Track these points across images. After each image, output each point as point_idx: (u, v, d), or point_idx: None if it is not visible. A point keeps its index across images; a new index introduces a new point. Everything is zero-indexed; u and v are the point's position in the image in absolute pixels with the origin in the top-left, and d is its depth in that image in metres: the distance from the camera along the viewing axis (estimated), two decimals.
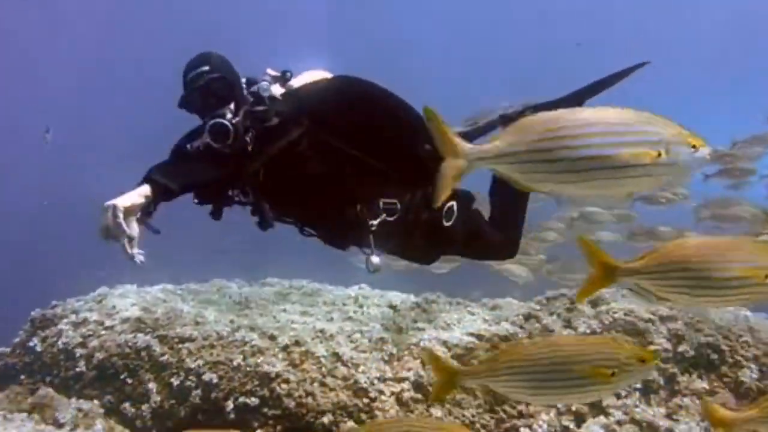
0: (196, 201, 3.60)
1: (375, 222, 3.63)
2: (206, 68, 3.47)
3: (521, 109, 4.38)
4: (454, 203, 3.91)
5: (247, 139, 3.36)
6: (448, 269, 8.93)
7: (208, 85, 3.44)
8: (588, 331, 5.35)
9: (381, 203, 3.66)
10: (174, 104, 3.56)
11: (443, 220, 3.89)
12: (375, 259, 3.71)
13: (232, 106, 3.45)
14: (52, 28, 24.91)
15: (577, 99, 4.22)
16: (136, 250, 3.24)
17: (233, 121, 3.37)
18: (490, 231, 4.21)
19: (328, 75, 3.85)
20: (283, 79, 3.66)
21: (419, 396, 4.95)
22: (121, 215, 2.85)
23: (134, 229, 3.28)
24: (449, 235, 3.97)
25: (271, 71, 3.63)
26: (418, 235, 3.89)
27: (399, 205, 3.68)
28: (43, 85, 25.65)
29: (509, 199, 4.32)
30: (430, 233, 3.90)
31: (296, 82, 3.71)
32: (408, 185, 3.78)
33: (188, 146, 3.45)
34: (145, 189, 3.01)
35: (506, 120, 4.39)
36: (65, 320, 5.71)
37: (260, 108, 3.44)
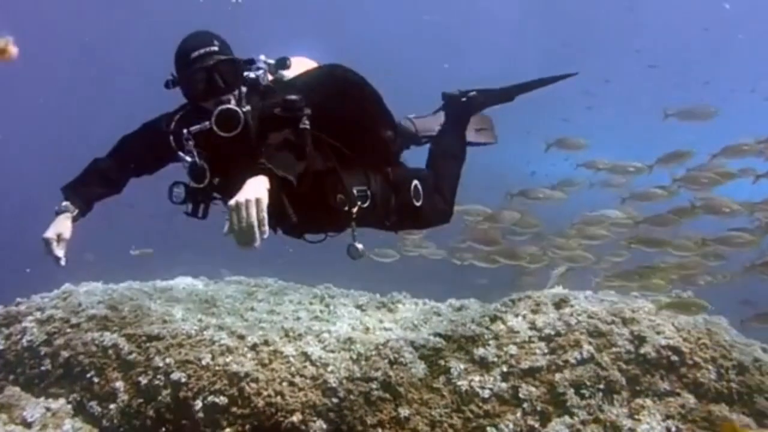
0: (176, 201, 3.58)
1: (354, 210, 3.69)
2: (215, 48, 3.41)
3: (466, 90, 4.90)
4: (417, 182, 4.06)
5: (306, 126, 3.32)
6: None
7: (216, 67, 3.37)
8: (552, 332, 5.44)
9: (355, 191, 3.72)
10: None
11: (414, 201, 4.02)
12: (359, 246, 3.76)
13: (236, 92, 3.41)
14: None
15: (511, 92, 4.90)
16: (61, 252, 3.25)
17: (243, 110, 3.34)
18: (437, 201, 4.39)
19: (314, 63, 3.88)
20: (275, 66, 3.63)
21: (387, 396, 4.99)
22: (265, 210, 2.73)
23: (68, 230, 3.30)
24: (422, 213, 4.16)
25: (264, 58, 3.59)
26: (394, 218, 4.01)
27: (368, 192, 3.73)
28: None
29: (447, 168, 4.52)
30: (405, 214, 4.06)
31: (288, 72, 3.71)
32: (372, 171, 3.85)
33: (185, 131, 3.39)
34: (266, 182, 2.86)
35: (445, 97, 4.95)
36: (30, 317, 5.62)
37: (294, 97, 3.38)
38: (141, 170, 3.86)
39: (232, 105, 3.36)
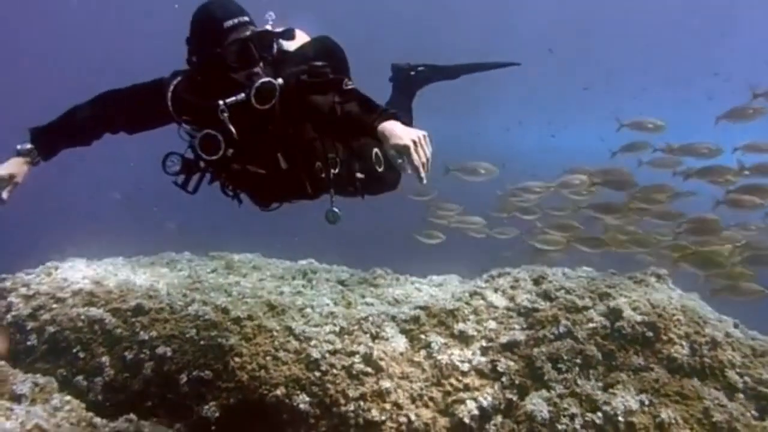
0: (169, 172, 3.61)
1: (331, 176, 3.78)
2: (247, 18, 3.40)
3: (416, 64, 5.20)
4: (377, 150, 4.16)
5: (352, 86, 3.42)
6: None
7: (252, 38, 3.37)
8: (530, 308, 5.55)
9: (328, 158, 3.79)
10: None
11: (376, 167, 4.11)
12: (336, 210, 3.84)
13: (261, 64, 3.44)
14: None
15: (457, 71, 5.26)
16: (6, 195, 3.24)
17: (279, 83, 3.39)
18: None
19: (307, 36, 3.92)
20: (281, 37, 3.63)
21: (369, 370, 5.08)
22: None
23: (22, 174, 3.35)
24: (383, 179, 4.32)
25: (270, 28, 3.56)
26: (359, 184, 4.11)
27: (337, 159, 3.82)
28: None
29: None
30: (369, 181, 4.17)
31: (289, 43, 3.74)
32: (339, 140, 3.92)
33: (221, 103, 3.39)
34: None
35: (394, 68, 5.26)
36: (15, 293, 5.63)
37: (320, 63, 3.47)
38: (121, 129, 3.80)
39: (267, 78, 3.38)
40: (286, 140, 3.61)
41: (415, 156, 2.85)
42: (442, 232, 9.76)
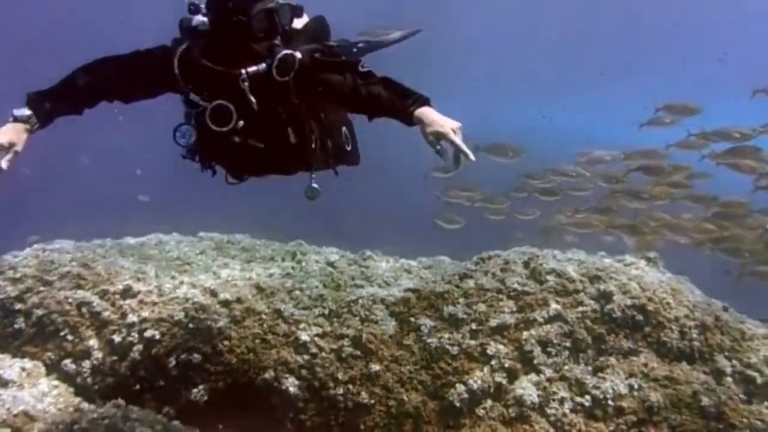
0: (182, 143, 3.57)
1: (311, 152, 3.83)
2: None
3: (355, 40, 5.16)
4: (345, 128, 4.21)
5: (368, 69, 3.51)
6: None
7: (277, 10, 3.37)
8: (521, 291, 5.53)
9: (311, 134, 3.81)
10: None
11: (345, 145, 4.14)
12: (316, 186, 3.87)
13: (279, 38, 3.45)
14: None
15: (385, 44, 5.39)
16: (5, 164, 3.16)
17: (297, 55, 3.41)
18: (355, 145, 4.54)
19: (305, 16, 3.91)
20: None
21: (358, 353, 5.08)
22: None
23: (22, 142, 3.23)
24: (351, 157, 4.33)
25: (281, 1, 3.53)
26: (331, 161, 4.12)
27: (313, 135, 3.83)
28: None
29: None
30: (339, 157, 4.18)
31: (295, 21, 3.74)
32: (308, 115, 3.89)
33: (243, 72, 3.37)
34: None
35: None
36: (2, 276, 5.55)
37: (334, 43, 3.62)
38: (118, 97, 3.67)
39: (288, 50, 3.40)
40: (298, 115, 3.63)
41: (456, 139, 3.07)
42: (458, 213, 9.82)
